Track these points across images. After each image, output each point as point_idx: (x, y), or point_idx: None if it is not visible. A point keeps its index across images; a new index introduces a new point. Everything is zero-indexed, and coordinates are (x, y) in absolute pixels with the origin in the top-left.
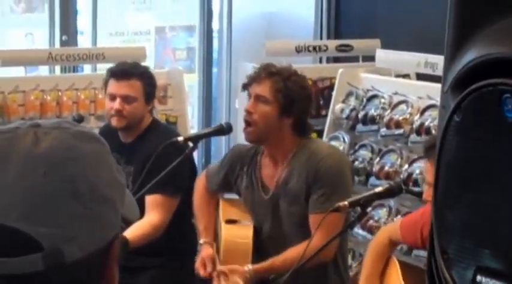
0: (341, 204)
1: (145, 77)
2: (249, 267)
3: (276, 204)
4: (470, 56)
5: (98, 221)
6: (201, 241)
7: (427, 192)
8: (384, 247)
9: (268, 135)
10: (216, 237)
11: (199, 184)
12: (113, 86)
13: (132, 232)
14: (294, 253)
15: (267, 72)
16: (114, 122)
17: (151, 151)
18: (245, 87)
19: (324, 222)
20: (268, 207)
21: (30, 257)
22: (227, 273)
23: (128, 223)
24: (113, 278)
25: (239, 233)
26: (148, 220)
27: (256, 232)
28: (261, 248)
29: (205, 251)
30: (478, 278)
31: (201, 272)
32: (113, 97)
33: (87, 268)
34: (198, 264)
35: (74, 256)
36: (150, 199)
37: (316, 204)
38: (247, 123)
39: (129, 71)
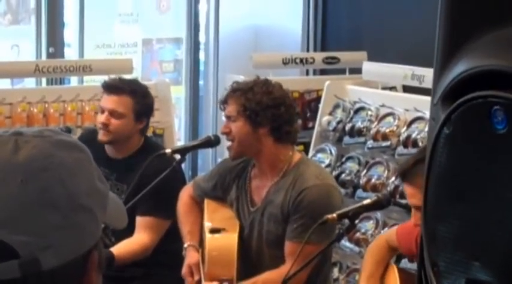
0: (329, 216)
1: (138, 95)
2: None
3: (259, 219)
4: (460, 68)
5: (75, 230)
6: (186, 244)
7: (416, 216)
8: (382, 251)
9: (249, 148)
10: (201, 242)
11: (185, 193)
12: (103, 99)
13: (120, 248)
14: (274, 277)
15: (230, 91)
16: (100, 136)
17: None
18: (221, 109)
19: (301, 252)
20: (251, 220)
21: (6, 264)
22: None
23: (114, 231)
24: None
25: (223, 244)
26: (139, 239)
27: (241, 241)
28: (243, 259)
29: (191, 257)
30: None
31: (189, 280)
32: (102, 111)
33: (64, 276)
34: (185, 271)
35: (50, 264)
36: (142, 220)
37: (295, 233)
38: (229, 140)
39: (120, 86)
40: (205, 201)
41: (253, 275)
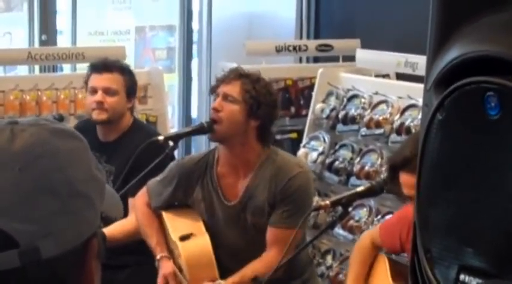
0: (322, 203)
1: (127, 72)
2: (221, 283)
3: (240, 214)
4: (453, 53)
5: (74, 217)
6: (158, 256)
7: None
8: (367, 250)
9: (233, 136)
10: (169, 252)
11: (140, 202)
12: (95, 79)
13: (113, 229)
14: (262, 265)
15: (236, 74)
16: (95, 115)
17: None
18: (213, 89)
19: (286, 238)
20: (231, 217)
21: (6, 253)
22: None
23: (109, 221)
24: (91, 274)
25: (197, 246)
26: (131, 219)
27: (213, 240)
28: (221, 257)
29: (165, 268)
30: (462, 277)
31: None
32: (94, 91)
33: (64, 264)
34: (161, 283)
35: (50, 252)
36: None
37: (279, 219)
38: (214, 121)
39: (111, 64)
40: (163, 213)
41: (241, 267)
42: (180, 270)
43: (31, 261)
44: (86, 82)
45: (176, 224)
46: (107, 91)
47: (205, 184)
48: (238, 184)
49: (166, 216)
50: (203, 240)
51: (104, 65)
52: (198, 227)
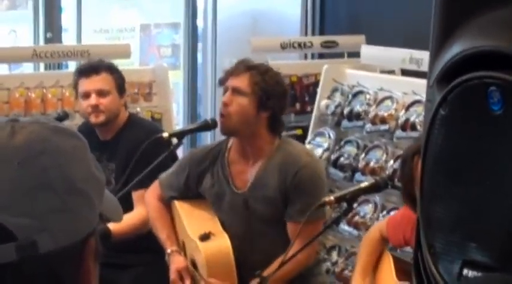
0: (327, 199)
1: (114, 70)
2: None
3: (247, 203)
4: (456, 49)
5: (72, 214)
6: (168, 250)
7: None
8: (376, 242)
9: (243, 128)
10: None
11: (151, 195)
12: (85, 83)
13: (118, 224)
14: (292, 262)
15: (244, 66)
16: (93, 119)
17: (133, 147)
18: (222, 81)
19: (306, 231)
20: (238, 204)
21: (3, 246)
22: None
23: (108, 222)
24: (88, 272)
25: (219, 251)
26: (136, 212)
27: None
28: (236, 246)
29: (178, 262)
30: (465, 272)
31: None
32: (87, 95)
33: (61, 260)
34: (174, 277)
35: (47, 247)
36: (137, 194)
37: (298, 214)
38: (222, 115)
39: (97, 65)
40: (177, 204)
41: (248, 257)
42: (194, 266)
43: (28, 255)
44: (75, 88)
45: (192, 219)
46: (100, 93)
47: (215, 171)
48: (248, 171)
49: (181, 210)
50: (224, 242)
51: (90, 68)
52: (215, 225)
